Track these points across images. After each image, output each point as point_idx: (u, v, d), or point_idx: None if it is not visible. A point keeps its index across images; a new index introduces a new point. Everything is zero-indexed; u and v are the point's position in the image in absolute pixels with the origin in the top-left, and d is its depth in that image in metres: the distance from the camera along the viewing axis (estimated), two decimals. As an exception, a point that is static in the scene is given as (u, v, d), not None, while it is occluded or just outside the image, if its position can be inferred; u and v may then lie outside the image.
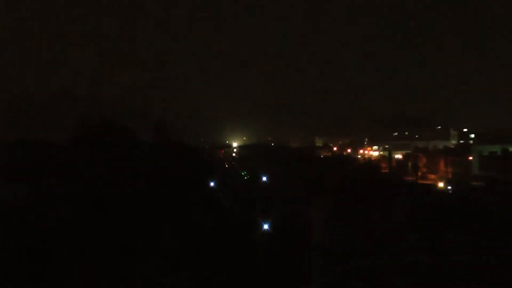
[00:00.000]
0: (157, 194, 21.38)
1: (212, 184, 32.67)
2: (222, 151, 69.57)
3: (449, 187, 40.74)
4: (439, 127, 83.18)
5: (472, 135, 67.09)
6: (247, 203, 28.21)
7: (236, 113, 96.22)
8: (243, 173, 47.32)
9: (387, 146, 70.82)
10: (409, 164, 55.76)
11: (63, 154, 23.26)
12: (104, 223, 16.77)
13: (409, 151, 63.53)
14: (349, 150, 74.24)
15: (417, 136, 78.22)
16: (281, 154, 56.21)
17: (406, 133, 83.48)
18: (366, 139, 79.14)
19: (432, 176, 50.41)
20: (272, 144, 78.98)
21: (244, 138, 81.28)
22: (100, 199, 18.52)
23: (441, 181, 43.86)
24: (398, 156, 63.73)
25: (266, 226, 20.56)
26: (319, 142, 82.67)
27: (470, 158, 48.67)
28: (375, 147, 74.68)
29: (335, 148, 75.88)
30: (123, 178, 20.57)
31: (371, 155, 71.09)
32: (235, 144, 78.01)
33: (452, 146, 61.79)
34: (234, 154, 72.30)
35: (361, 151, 73.50)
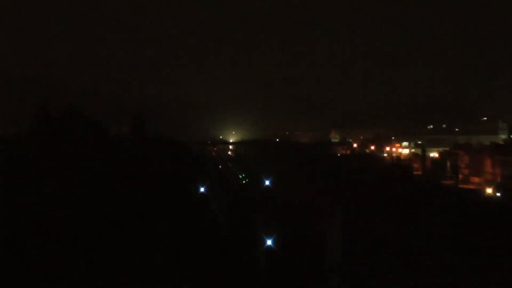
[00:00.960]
0: (130, 205, 21.50)
1: (202, 189, 33.15)
2: (215, 149, 70.20)
3: (498, 194, 40.33)
4: (485, 118, 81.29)
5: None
6: (246, 213, 28.75)
7: (233, 103, 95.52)
8: (240, 176, 48.12)
9: (420, 142, 70.29)
10: (448, 164, 55.23)
11: (13, 152, 23.00)
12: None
13: (447, 148, 63.07)
14: (372, 147, 73.83)
15: (457, 129, 77.30)
16: (288, 152, 57.26)
17: (444, 125, 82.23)
18: (394, 134, 78.73)
19: (476, 179, 49.81)
20: (277, 140, 78.19)
21: (243, 133, 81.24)
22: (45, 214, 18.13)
23: (488, 186, 43.28)
24: (434, 154, 63.27)
25: (269, 242, 20.78)
26: (335, 137, 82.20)
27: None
28: (405, 143, 73.71)
29: (355, 145, 75.45)
30: (82, 186, 20.24)
31: (400, 153, 70.61)
32: (231, 141, 77.93)
33: (501, 142, 61.63)
34: (230, 153, 73.14)
35: (387, 148, 73.10)
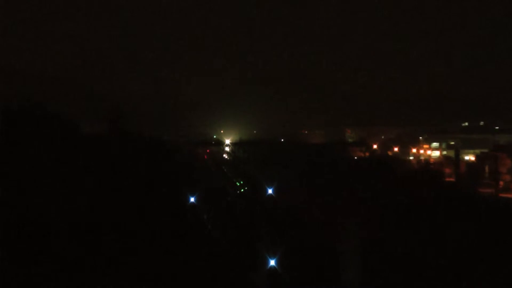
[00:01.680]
0: (106, 218, 21.98)
1: (192, 200, 33.99)
2: (208, 151, 70.73)
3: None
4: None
5: None
6: (244, 228, 29.03)
7: (229, 98, 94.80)
8: (238, 184, 48.02)
9: (452, 143, 69.83)
10: (486, 168, 55.00)
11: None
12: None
13: (485, 150, 62.36)
14: (396, 149, 73.10)
15: (497, 127, 75.84)
16: (295, 155, 56.87)
17: (482, 123, 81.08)
18: (421, 133, 77.90)
19: (522, 187, 50.03)
20: (282, 140, 77.68)
21: (241, 133, 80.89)
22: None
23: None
24: (470, 157, 63.18)
25: (272, 263, 20.87)
26: (351, 137, 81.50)
27: None
28: (434, 144, 72.75)
29: (375, 146, 74.67)
30: (47, 195, 20.72)
31: (429, 156, 70.16)
32: (228, 141, 77.56)
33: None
34: (226, 156, 73.39)
35: (414, 150, 72.39)
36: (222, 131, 78.94)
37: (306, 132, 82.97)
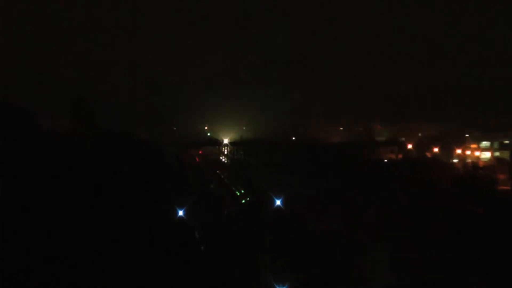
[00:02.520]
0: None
1: (181, 213, 34.26)
2: (200, 152, 71.03)
3: None
4: None
5: None
6: (245, 250, 29.31)
7: (228, 87, 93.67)
8: (238, 193, 48.14)
9: (507, 142, 69.06)
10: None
11: None
12: None
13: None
14: (436, 149, 71.93)
15: None
16: (311, 157, 56.50)
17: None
18: (467, 130, 76.55)
19: None
20: (294, 138, 77.38)
21: (242, 130, 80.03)
22: None
23: None
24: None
25: None
26: (381, 135, 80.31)
27: None
28: (484, 143, 71.78)
29: (410, 146, 73.45)
30: None
31: (478, 158, 69.32)
32: (226, 141, 76.87)
33: None
34: (223, 158, 73.50)
35: (458, 151, 71.12)
36: (242, 129, 78.36)
37: (324, 129, 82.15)
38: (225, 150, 75.84)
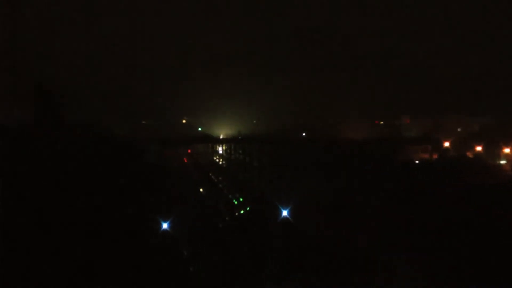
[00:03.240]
0: None
1: (165, 226, 34.66)
2: (189, 151, 71.04)
3: None
4: None
5: None
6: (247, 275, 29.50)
7: (225, 72, 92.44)
8: (236, 202, 47.83)
9: None
10: None
11: None
12: None
13: None
14: (479, 148, 70.73)
15: None
16: (325, 157, 56.34)
17: None
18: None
19: None
20: (304, 134, 77.32)
21: (241, 125, 79.23)
22: None
23: None
24: None
25: None
26: (411, 130, 79.27)
27: None
28: (540, 140, 70.99)
29: (447, 143, 72.26)
30: None
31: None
32: (222, 137, 76.57)
33: None
34: (218, 159, 73.75)
35: (506, 150, 69.91)
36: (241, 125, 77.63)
37: (341, 123, 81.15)
38: (221, 149, 75.76)
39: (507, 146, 69.82)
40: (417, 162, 62.81)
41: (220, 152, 75.27)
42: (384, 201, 40.37)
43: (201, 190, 53.97)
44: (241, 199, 47.98)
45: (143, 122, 72.15)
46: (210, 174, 61.70)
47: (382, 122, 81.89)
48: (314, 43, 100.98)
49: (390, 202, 39.91)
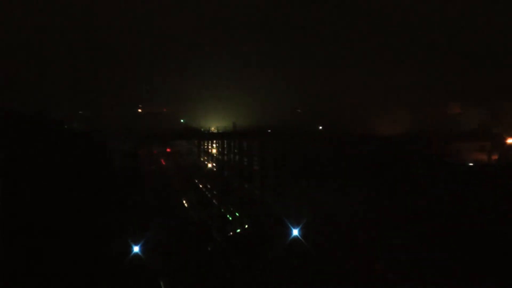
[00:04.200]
0: None
1: (137, 250, 35.14)
2: (168, 150, 72.17)
3: None
4: None
5: None
6: None
7: (217, 47, 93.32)
8: (230, 218, 48.58)
9: None
10: None
11: None
12: None
13: None
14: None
15: None
16: (347, 158, 56.21)
17: None
18: None
19: None
20: (320, 128, 77.51)
21: (239, 116, 79.05)
22: None
23: None
24: None
25: None
26: (463, 122, 78.33)
27: None
28: None
29: (510, 140, 71.24)
30: None
31: None
32: (212, 130, 76.07)
33: None
34: (205, 160, 74.65)
35: None
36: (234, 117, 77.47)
37: (371, 113, 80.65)
38: (210, 147, 76.76)
39: None
40: (471, 164, 62.06)
41: (210, 151, 76.39)
42: (428, 223, 39.57)
43: (184, 202, 54.42)
44: (236, 214, 48.29)
45: (107, 112, 71.47)
46: (196, 181, 62.38)
47: (425, 112, 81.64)
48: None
49: (437, 228, 38.85)
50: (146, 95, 75.99)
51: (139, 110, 77.96)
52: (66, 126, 48.05)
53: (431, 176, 49.46)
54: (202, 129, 73.65)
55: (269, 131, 69.38)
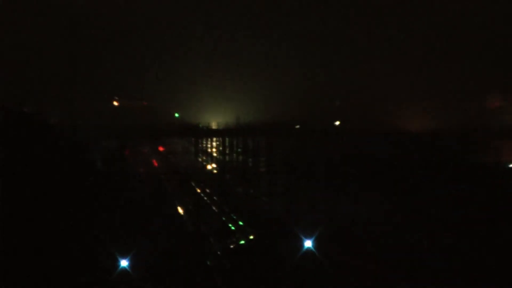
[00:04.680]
0: None
1: (125, 264, 34.74)
2: (161, 148, 73.15)
3: None
4: None
5: None
6: None
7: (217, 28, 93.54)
8: (233, 228, 48.90)
9: None
10: None
11: None
12: None
13: None
14: None
15: None
16: (369, 159, 57.07)
17: None
18: None
19: None
20: (337, 123, 77.10)
21: (243, 111, 79.07)
22: None
23: None
24: None
25: None
26: (503, 116, 77.56)
27: None
28: None
29: None
30: None
31: None
32: (213, 128, 76.94)
33: None
34: (203, 161, 75.20)
35: None
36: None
37: (391, 108, 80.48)
38: (209, 146, 76.98)
39: None
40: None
41: (209, 150, 76.70)
42: (469, 235, 38.54)
43: (179, 209, 54.09)
44: (240, 223, 47.81)
45: (88, 105, 71.85)
46: (193, 184, 62.29)
47: (460, 106, 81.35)
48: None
49: (480, 241, 37.72)
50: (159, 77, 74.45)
51: (115, 103, 77.92)
52: (39, 120, 47.66)
53: (469, 180, 49.12)
54: (200, 125, 73.58)
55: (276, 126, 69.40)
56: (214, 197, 57.65)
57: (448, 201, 45.89)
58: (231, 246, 43.64)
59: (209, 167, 73.12)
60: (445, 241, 37.94)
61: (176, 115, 76.67)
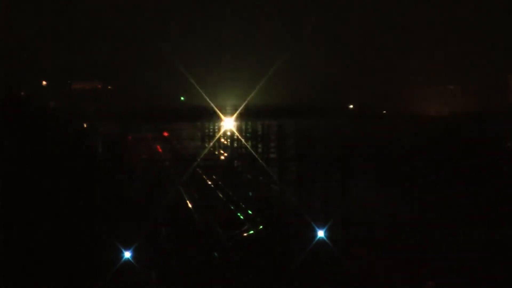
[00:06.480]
0: None
1: (128, 255, 35.00)
2: (166, 134, 75.19)
3: None
4: None
5: None
6: None
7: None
8: (242, 217, 49.49)
9: None
10: None
11: None
12: None
13: None
14: None
15: None
16: (388, 148, 56.20)
17: None
18: None
19: None
20: (351, 106, 77.46)
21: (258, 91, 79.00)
22: None
23: None
24: None
25: None
26: None
27: None
28: None
29: None
30: None
31: None
32: (226, 113, 76.13)
33: None
34: (211, 147, 76.29)
35: None
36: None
37: (410, 90, 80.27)
38: (218, 133, 77.55)
39: None
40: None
41: (217, 136, 77.23)
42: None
43: (184, 197, 54.70)
44: (250, 212, 48.84)
45: (85, 85, 72.52)
46: (200, 172, 63.05)
47: (483, 87, 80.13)
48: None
49: None
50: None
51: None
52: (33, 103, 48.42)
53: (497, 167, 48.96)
54: (208, 109, 74.03)
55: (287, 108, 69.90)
56: (225, 186, 58.60)
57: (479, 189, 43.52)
58: (240, 236, 44.04)
59: (216, 152, 74.70)
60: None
61: (182, 98, 77.70)
